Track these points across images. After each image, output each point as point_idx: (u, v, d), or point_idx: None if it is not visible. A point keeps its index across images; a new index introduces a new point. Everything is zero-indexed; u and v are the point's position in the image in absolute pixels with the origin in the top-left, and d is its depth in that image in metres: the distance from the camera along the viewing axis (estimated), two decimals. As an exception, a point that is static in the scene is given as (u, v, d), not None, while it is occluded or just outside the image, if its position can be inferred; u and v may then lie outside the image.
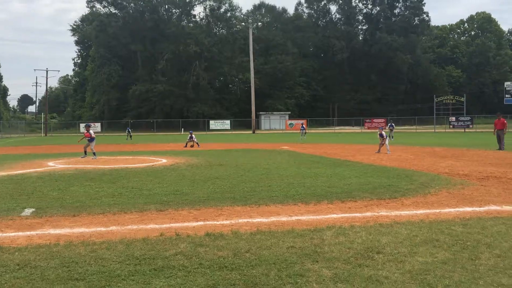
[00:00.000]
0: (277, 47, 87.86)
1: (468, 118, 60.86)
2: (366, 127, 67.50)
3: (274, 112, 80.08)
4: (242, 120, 70.94)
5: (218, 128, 69.45)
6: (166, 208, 7.90)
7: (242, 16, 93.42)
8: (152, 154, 21.19)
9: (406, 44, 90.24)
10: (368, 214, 7.29)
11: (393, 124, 38.83)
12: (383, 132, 21.32)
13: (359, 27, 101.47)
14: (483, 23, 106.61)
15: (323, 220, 6.83)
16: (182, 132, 61.27)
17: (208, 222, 6.83)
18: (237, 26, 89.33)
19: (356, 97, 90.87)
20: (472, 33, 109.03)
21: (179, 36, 79.00)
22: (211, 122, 70.53)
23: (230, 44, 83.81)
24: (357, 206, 7.96)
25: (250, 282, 4.27)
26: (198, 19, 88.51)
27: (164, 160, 17.51)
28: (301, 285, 4.18)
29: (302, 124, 46.51)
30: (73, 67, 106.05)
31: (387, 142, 20.94)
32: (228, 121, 71.17)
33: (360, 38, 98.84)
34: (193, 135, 28.62)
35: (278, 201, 8.41)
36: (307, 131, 42.50)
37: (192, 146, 27.92)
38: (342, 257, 4.96)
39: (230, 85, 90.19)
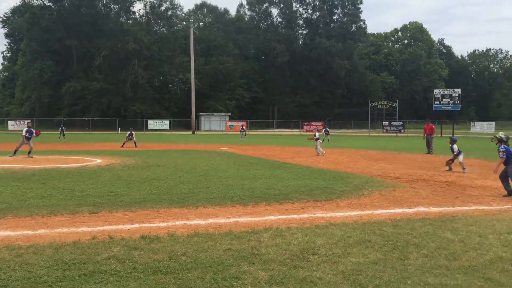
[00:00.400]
0: (219, 48, 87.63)
1: (400, 123, 63.64)
2: (304, 130, 68.81)
3: (215, 113, 79.82)
4: (182, 120, 70.10)
5: (157, 128, 68.12)
6: (99, 210, 7.63)
7: (183, 15, 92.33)
8: (86, 154, 20.43)
9: (344, 50, 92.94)
10: (305, 215, 7.40)
11: (327, 128, 40.06)
12: (316, 133, 21.92)
13: (299, 31, 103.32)
14: (415, 32, 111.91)
15: (260, 222, 6.86)
16: (119, 132, 59.64)
17: (143, 225, 6.67)
18: (178, 25, 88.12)
19: (296, 100, 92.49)
20: (405, 41, 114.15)
21: (118, 32, 76.74)
22: (150, 122, 69.10)
23: (170, 43, 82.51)
24: (294, 207, 8.07)
25: (185, 286, 4.20)
26: (137, 16, 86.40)
27: (98, 160, 16.94)
28: (236, 288, 4.16)
29: (242, 126, 46.61)
30: (1, 60, 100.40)
31: (318, 145, 21.44)
32: (167, 121, 70.02)
33: (300, 42, 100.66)
34: (133, 133, 27.95)
35: (216, 203, 8.37)
36: (247, 132, 42.66)
37: (131, 139, 27.34)
38: (278, 259, 4.99)
39: (170, 85, 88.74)
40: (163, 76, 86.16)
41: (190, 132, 60.11)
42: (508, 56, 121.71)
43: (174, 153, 22.28)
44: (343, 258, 5.04)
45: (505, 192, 9.63)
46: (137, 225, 6.63)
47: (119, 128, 61.59)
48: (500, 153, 9.86)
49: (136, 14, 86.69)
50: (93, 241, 5.62)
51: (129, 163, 15.93)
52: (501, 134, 10.31)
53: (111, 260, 4.91)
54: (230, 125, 72.69)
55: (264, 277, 4.44)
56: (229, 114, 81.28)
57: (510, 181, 9.71)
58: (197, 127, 69.25)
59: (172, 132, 62.93)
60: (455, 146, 14.78)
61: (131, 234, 6.05)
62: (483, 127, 61.34)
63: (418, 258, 5.05)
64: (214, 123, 76.74)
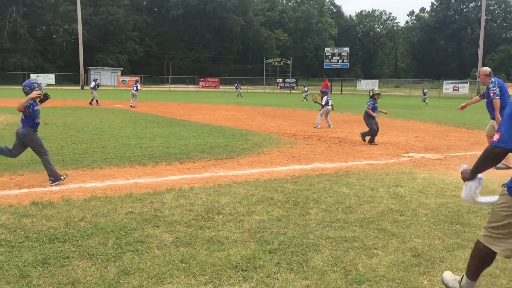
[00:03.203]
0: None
1: (293, 80, 65.50)
2: (200, 86, 68.10)
3: (105, 67, 75.62)
4: (69, 74, 65.56)
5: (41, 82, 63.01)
6: (-20, 175, 6.93)
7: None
8: (-41, 111, 18.38)
9: (239, 5, 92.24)
10: (207, 174, 7.36)
11: (238, 84, 45.50)
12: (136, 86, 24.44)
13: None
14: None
15: (162, 183, 6.70)
16: (-2, 86, 54.46)
17: (34, 189, 6.19)
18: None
19: (191, 55, 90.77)
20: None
21: (-9, -25, 68.64)
22: (32, 75, 63.54)
23: (53, -10, 75.66)
24: (196, 167, 7.99)
25: (86, 254, 3.98)
26: (14, -43, 77.66)
27: (-25, 119, 15.35)
28: (142, 252, 4.04)
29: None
30: None
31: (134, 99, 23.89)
32: (52, 75, 64.97)
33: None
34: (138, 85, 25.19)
35: (113, 164, 8.01)
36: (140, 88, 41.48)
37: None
38: (183, 220, 4.93)
39: (54, 36, 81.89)
40: (46, 26, 79.22)
41: (79, 87, 56.64)
42: (391, 18, 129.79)
43: (62, 110, 20.85)
44: (248, 216, 5.11)
45: None
46: (26, 190, 6.14)
47: (-3, 83, 56.21)
48: None
49: (12, -45, 77.76)
50: (-24, 210, 5.10)
51: (12, 121, 14.63)
52: None
53: (-1, 230, 4.50)
54: (122, 80, 69.50)
55: (170, 239, 4.36)
56: (121, 68, 77.55)
57: None
58: (86, 82, 65.26)
59: (59, 87, 58.73)
60: (325, 97, 15.76)
61: (20, 200, 5.58)
62: (368, 85, 65.24)
63: (318, 213, 5.28)
64: (105, 78, 72.70)
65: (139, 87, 24.98)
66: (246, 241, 4.37)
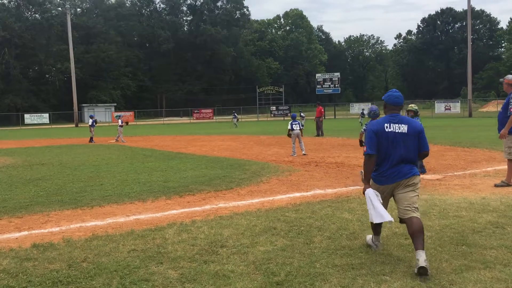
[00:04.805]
0: (99, 35, 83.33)
1: (287, 107, 66.09)
2: (194, 118, 68.39)
3: (99, 104, 76.02)
4: (63, 113, 65.78)
5: (35, 122, 63.10)
6: (-21, 219, 6.85)
7: (58, 0, 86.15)
8: (-46, 155, 18.29)
9: (229, 37, 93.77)
10: (208, 207, 7.32)
11: (235, 114, 45.05)
12: (120, 121, 25.91)
13: (184, 18, 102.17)
14: (296, 19, 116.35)
15: (163, 218, 6.64)
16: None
17: (34, 231, 6.11)
18: (53, 11, 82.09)
19: (184, 87, 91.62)
20: (287, 28, 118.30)
21: (-18, 19, 69.54)
22: (26, 116, 63.82)
23: (45, 31, 76.63)
24: (196, 199, 7.95)
25: (90, 295, 3.91)
26: (5, 1, 78.89)
27: (-29, 162, 15.26)
28: (147, 291, 3.97)
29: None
30: None
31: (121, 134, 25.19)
32: (46, 115, 65.17)
33: (185, 29, 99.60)
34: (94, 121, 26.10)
35: (112, 201, 7.95)
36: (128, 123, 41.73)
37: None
38: (187, 255, 4.86)
39: (47, 75, 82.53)
40: (39, 66, 79.94)
41: (73, 125, 56.75)
42: (379, 41, 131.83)
43: (58, 148, 20.82)
44: (252, 248, 5.05)
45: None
46: (26, 233, 6.06)
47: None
48: None
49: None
50: (-24, 256, 5.01)
51: (7, 163, 14.56)
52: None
53: (1, 275, 4.42)
54: (116, 116, 69.68)
55: (175, 276, 4.30)
56: (115, 104, 78.01)
57: None
58: (81, 119, 65.42)
59: (53, 126, 58.86)
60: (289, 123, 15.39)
61: (21, 243, 5.51)
62: (361, 108, 65.70)
63: (323, 241, 5.23)
64: (99, 114, 73.00)
65: (120, 123, 26.10)
66: (252, 273, 4.31)
